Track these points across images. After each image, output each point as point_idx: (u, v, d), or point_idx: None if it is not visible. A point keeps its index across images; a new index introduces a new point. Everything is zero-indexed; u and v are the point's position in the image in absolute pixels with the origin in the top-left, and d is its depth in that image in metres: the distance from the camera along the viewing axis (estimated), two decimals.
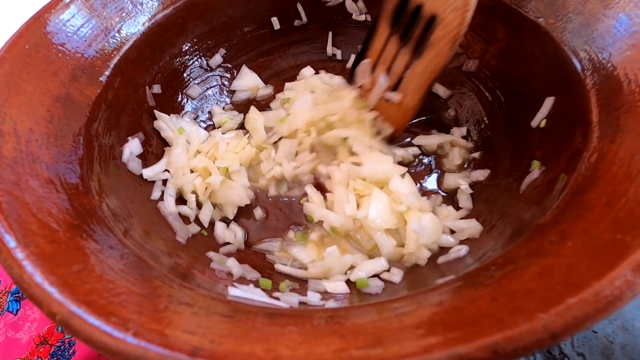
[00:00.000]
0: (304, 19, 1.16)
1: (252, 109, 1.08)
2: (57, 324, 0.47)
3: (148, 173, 0.89)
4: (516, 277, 0.50)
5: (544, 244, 0.54)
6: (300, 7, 1.15)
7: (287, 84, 1.15)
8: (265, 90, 1.15)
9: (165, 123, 0.98)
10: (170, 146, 0.97)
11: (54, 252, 0.55)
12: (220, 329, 0.49)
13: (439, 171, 0.98)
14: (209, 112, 1.11)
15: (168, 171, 0.93)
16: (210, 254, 0.81)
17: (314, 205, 0.90)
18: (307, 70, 1.18)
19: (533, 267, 0.50)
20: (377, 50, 0.93)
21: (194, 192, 0.92)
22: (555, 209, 0.60)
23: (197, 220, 0.91)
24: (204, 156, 0.97)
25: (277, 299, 0.65)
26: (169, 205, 0.86)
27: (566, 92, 0.77)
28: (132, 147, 0.87)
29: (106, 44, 0.86)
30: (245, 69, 1.16)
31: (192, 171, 0.94)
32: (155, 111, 0.97)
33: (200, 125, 1.06)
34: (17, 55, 0.74)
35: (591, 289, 0.42)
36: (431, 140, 0.99)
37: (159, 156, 0.95)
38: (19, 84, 0.71)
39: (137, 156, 0.89)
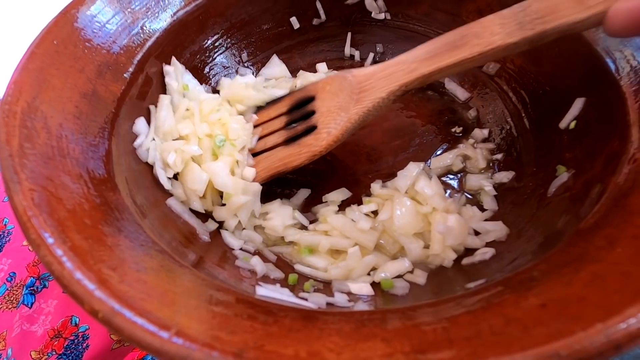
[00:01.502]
0: (323, 17, 1.16)
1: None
2: (100, 322, 0.47)
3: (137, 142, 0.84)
4: (564, 284, 0.49)
5: (589, 249, 0.53)
6: (319, 5, 1.15)
7: (300, 71, 1.16)
8: (288, 83, 1.13)
9: (175, 72, 0.97)
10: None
11: (90, 248, 0.54)
12: (260, 330, 0.49)
13: (463, 172, 0.97)
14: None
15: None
16: (236, 252, 0.81)
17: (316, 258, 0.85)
18: (322, 66, 1.18)
19: (581, 273, 0.49)
20: (269, 116, 0.97)
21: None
22: (597, 213, 0.59)
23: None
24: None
25: (305, 299, 0.64)
26: (178, 204, 0.84)
27: (598, 93, 0.76)
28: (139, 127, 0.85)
29: (130, 41, 0.86)
30: (275, 59, 1.16)
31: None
32: (173, 57, 0.98)
33: None
34: (46, 51, 0.73)
35: None
36: (446, 161, 0.97)
37: None
38: (49, 80, 0.70)
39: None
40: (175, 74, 0.96)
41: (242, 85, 1.01)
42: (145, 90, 0.88)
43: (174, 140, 0.88)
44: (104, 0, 0.84)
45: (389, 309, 0.55)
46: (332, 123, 0.85)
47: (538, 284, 0.51)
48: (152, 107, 0.91)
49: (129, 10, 0.87)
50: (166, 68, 0.96)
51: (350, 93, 0.84)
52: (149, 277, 0.54)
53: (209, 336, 0.46)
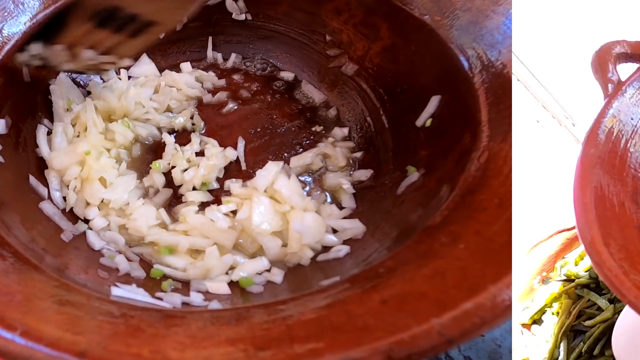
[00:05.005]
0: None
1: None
2: None
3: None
4: (407, 280, 0.50)
5: (434, 246, 0.55)
6: None
7: (166, 71, 1.14)
8: (154, 82, 1.11)
9: (60, 90, 0.95)
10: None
11: None
12: (107, 330, 0.49)
13: (324, 170, 0.97)
14: None
15: None
16: (104, 250, 0.80)
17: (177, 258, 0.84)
18: (186, 66, 1.16)
19: (424, 269, 0.51)
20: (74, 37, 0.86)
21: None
22: (445, 210, 0.61)
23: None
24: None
25: (160, 299, 0.64)
26: (51, 206, 0.83)
27: (453, 90, 0.78)
28: None
29: None
30: (145, 57, 1.12)
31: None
32: (61, 74, 0.96)
33: None
34: None
35: (487, 292, 0.43)
36: (305, 160, 0.96)
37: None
38: None
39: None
40: (60, 91, 0.94)
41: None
42: (5, 94, 0.86)
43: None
44: None
45: (239, 308, 0.57)
46: None
47: (382, 280, 0.52)
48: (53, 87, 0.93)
49: None
50: (52, 87, 0.94)
51: None
52: None
53: (54, 337, 0.46)
